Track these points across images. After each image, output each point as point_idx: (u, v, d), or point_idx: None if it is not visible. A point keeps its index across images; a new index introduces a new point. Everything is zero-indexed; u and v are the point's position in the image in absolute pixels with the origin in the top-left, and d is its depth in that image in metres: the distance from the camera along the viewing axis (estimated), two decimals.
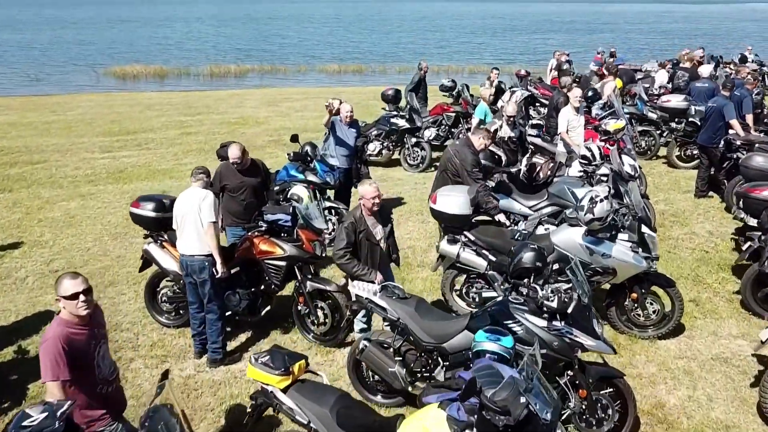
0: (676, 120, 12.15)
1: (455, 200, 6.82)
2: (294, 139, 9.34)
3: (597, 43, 49.69)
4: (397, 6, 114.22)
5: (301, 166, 9.08)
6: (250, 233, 6.69)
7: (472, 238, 6.85)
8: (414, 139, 12.86)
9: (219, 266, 6.17)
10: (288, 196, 7.25)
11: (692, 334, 6.87)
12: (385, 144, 12.97)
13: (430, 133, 14.20)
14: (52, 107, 22.06)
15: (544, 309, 4.99)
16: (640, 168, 9.25)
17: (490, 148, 8.95)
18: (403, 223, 10.09)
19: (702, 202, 10.65)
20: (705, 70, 13.48)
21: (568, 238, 6.58)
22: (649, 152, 12.96)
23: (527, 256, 5.29)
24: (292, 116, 20.21)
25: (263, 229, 6.62)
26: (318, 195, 8.94)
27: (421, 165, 12.85)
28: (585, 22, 74.01)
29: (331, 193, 9.58)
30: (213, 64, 36.60)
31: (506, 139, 8.86)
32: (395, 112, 13.01)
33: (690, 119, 12.01)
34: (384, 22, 73.27)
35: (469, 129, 13.72)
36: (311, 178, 8.93)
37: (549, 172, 9.47)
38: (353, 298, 5.67)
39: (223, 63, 37.32)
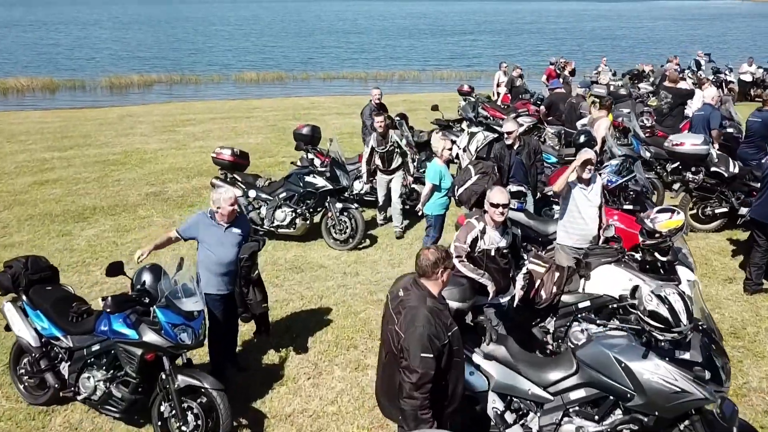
0: (693, 169, 8.62)
1: None
2: (114, 270, 5.04)
3: (526, 45, 46.92)
4: (316, 6, 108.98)
5: (134, 315, 4.86)
6: None
7: None
8: (339, 204, 8.79)
9: None
10: None
11: None
12: (298, 211, 8.84)
13: (360, 187, 10.18)
14: None
15: None
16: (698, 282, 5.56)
17: (468, 272, 5.00)
18: (325, 372, 6.00)
19: (762, 303, 7.09)
20: (709, 93, 10.01)
21: None
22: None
23: None
24: (189, 148, 15.70)
25: None
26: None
27: (351, 240, 8.77)
28: (509, 21, 71.44)
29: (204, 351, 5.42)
30: (113, 75, 31.21)
31: (492, 254, 4.96)
32: (311, 164, 8.93)
33: (713, 169, 8.52)
34: (303, 24, 68.25)
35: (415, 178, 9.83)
36: (150, 338, 4.73)
37: (554, 288, 5.65)
38: None
39: (125, 73, 31.97)
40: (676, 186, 9.00)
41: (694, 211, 8.97)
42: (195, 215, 5.61)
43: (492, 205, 4.95)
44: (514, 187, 7.21)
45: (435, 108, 11.86)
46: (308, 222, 8.92)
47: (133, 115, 21.32)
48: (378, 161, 9.13)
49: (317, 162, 9.42)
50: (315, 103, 24.29)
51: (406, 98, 25.25)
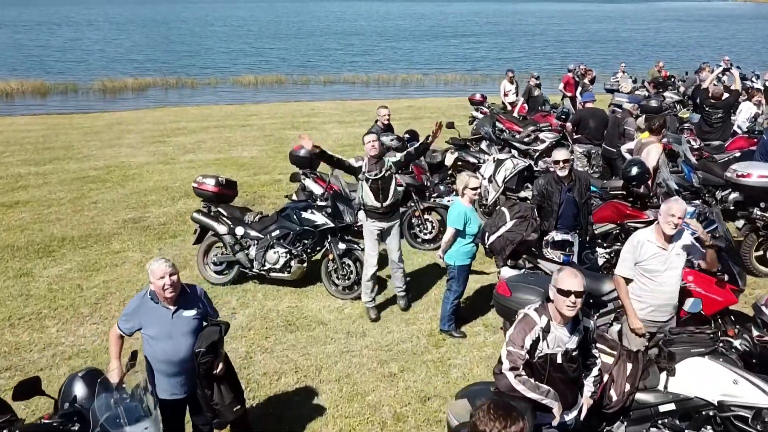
0: (762, 205, 7.18)
1: None
2: (23, 392, 3.60)
3: (531, 48, 45.35)
4: (315, 6, 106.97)
5: None
6: None
7: None
8: (342, 245, 7.33)
9: None
10: None
11: None
12: (294, 252, 7.39)
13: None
14: None
15: None
16: None
17: (528, 392, 3.56)
18: None
19: None
20: None
21: None
22: None
23: None
24: (177, 163, 14.25)
25: None
26: None
27: (356, 287, 7.28)
28: (511, 23, 69.74)
29: None
30: (106, 78, 29.73)
31: (559, 360, 3.48)
32: (310, 196, 7.49)
33: None
34: (301, 25, 66.55)
35: (424, 211, 8.43)
36: None
37: (627, 386, 4.21)
38: None
39: (119, 76, 30.49)
40: (739, 223, 7.57)
41: (761, 252, 7.53)
42: (135, 298, 4.16)
43: (561, 292, 3.49)
44: (558, 236, 5.77)
45: (451, 125, 10.41)
46: (305, 265, 7.47)
47: (123, 122, 19.86)
48: (368, 195, 6.56)
49: (318, 190, 8.02)
50: (315, 109, 22.83)
51: (410, 104, 23.82)
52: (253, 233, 7.51)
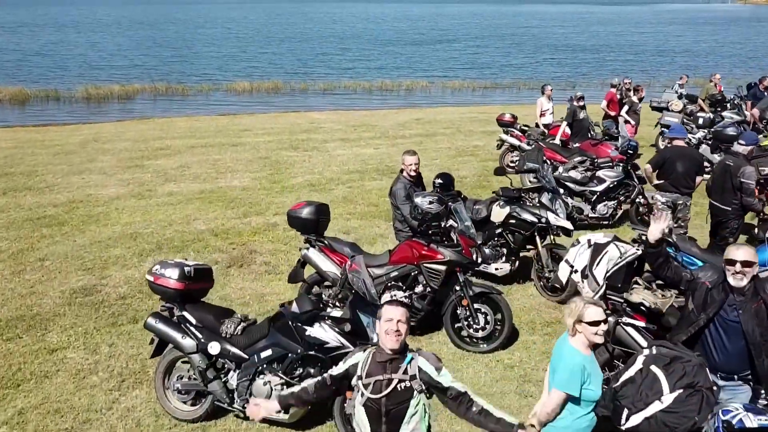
0: None
1: None
2: None
3: (542, 53, 42.66)
4: (309, 8, 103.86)
5: None
6: None
7: None
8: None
9: None
10: None
11: None
12: (291, 384, 4.86)
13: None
14: None
15: None
16: None
17: None
18: None
19: None
20: None
21: None
22: None
23: None
24: (154, 196, 11.69)
25: None
26: None
27: None
28: (513, 26, 66.97)
29: None
30: (90, 84, 27.16)
31: None
32: (319, 302, 4.95)
33: None
34: (296, 28, 63.71)
35: (474, 298, 5.97)
36: None
37: None
38: None
39: (105, 83, 27.89)
40: None
41: None
42: None
43: None
44: (751, 418, 3.25)
45: (500, 172, 7.85)
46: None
47: (101, 138, 17.28)
48: (362, 420, 3.39)
49: (329, 267, 5.53)
50: (315, 122, 20.26)
51: (419, 116, 21.25)
52: (234, 351, 4.96)
